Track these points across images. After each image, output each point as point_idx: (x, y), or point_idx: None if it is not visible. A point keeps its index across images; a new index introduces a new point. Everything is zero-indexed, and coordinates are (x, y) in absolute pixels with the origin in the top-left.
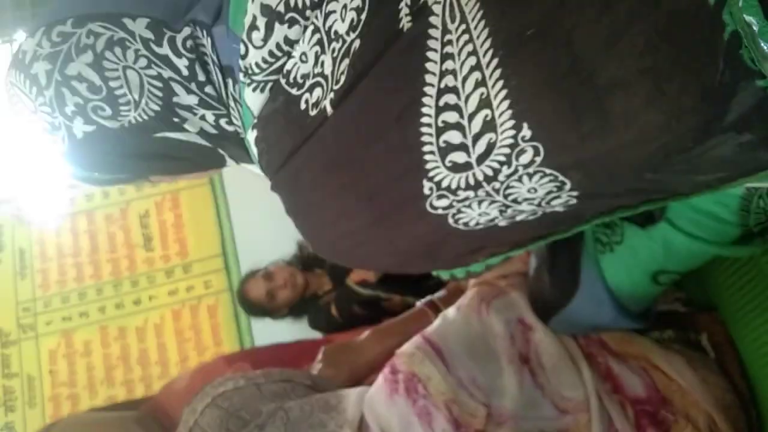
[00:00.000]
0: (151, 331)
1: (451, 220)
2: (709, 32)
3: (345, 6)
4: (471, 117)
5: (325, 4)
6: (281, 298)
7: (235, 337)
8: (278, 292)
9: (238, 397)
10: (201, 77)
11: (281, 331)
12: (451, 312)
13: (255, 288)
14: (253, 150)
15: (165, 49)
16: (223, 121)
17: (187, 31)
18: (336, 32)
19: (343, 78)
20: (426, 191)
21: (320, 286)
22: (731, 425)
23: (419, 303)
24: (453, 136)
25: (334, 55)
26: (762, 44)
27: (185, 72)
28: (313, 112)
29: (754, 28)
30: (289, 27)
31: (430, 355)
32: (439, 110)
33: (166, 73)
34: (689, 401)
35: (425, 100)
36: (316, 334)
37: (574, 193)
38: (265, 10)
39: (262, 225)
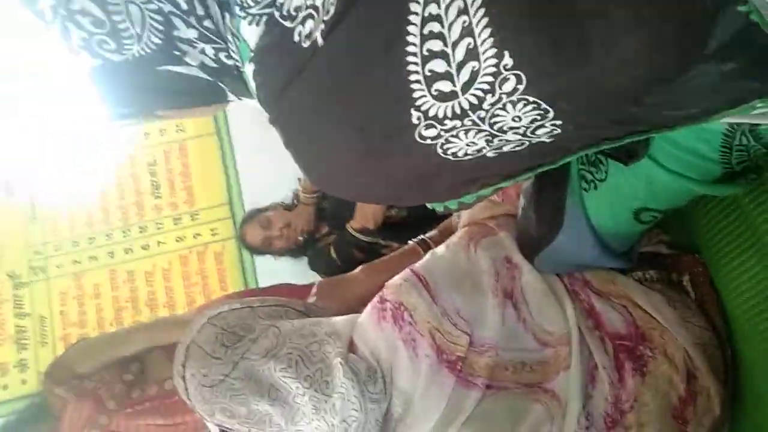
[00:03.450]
0: (159, 275)
1: (440, 150)
2: None
3: None
4: (454, 45)
5: None
6: (277, 247)
7: (240, 282)
8: (274, 241)
9: (233, 316)
10: (200, 11)
11: (284, 274)
12: (440, 249)
13: (252, 234)
14: (251, 83)
15: None
16: (222, 55)
17: None
18: None
19: (332, 9)
20: (414, 121)
21: (318, 230)
22: (707, 362)
23: (411, 242)
24: (438, 65)
25: None
26: None
27: (184, 6)
28: (305, 44)
29: None
30: None
31: (417, 286)
32: (424, 38)
33: (166, 7)
34: (667, 338)
35: (410, 28)
36: (317, 276)
37: (558, 122)
38: None
39: (269, 175)
